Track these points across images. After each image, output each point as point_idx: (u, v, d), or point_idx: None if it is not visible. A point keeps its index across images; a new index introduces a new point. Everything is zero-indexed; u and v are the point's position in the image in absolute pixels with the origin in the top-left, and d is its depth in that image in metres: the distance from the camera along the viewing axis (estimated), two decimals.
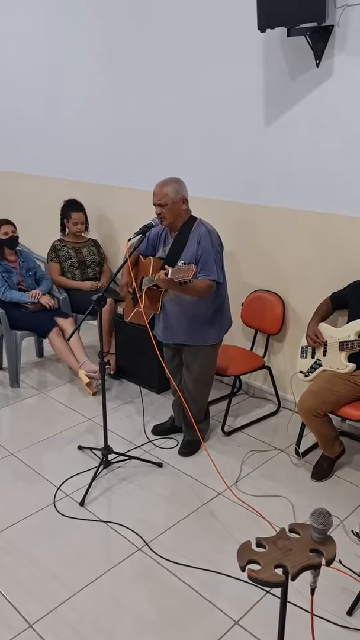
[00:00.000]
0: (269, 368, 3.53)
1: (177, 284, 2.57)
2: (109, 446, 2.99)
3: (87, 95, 4.34)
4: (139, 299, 2.92)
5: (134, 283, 2.94)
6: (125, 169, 4.23)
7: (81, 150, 4.56)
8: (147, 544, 2.50)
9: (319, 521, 1.34)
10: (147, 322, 2.89)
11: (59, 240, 4.30)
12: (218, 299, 2.92)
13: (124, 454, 3.06)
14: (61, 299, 4.13)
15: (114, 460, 3.03)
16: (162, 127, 3.85)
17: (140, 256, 3.01)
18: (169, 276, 2.53)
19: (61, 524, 2.62)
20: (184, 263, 2.74)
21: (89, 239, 4.36)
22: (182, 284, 2.54)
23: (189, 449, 3.16)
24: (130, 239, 2.92)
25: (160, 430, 3.35)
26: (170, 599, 2.22)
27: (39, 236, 4.87)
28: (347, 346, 2.81)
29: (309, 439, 3.12)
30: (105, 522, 2.64)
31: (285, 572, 1.30)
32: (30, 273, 4.13)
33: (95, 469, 2.92)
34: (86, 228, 4.31)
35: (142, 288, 2.90)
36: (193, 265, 2.56)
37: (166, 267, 2.61)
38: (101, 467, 2.96)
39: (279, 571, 1.31)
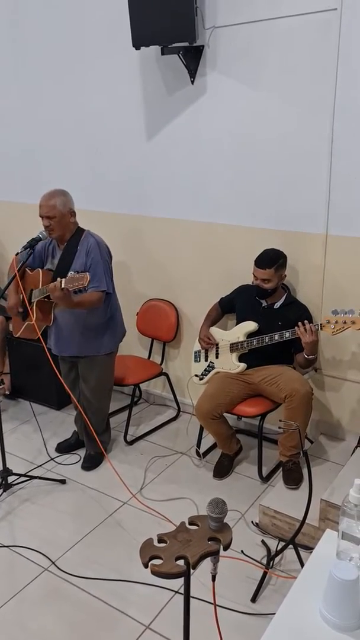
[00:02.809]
0: (166, 375, 3.61)
1: (69, 296, 2.58)
2: (8, 468, 2.89)
3: None
4: (30, 312, 2.86)
5: (23, 296, 2.87)
6: (8, 183, 4.14)
7: None
8: (53, 563, 2.44)
9: (215, 510, 1.40)
10: (40, 335, 2.84)
11: None
12: (110, 309, 2.96)
13: (24, 475, 2.97)
14: None
15: (14, 483, 2.93)
16: (46, 139, 3.82)
17: (27, 269, 2.96)
18: (62, 285, 2.53)
19: None
20: (76, 272, 2.75)
21: None
22: (77, 293, 2.54)
23: (92, 462, 3.14)
24: (17, 253, 2.87)
25: (65, 447, 3.29)
26: (80, 615, 2.19)
27: None
28: (237, 347, 2.95)
29: (209, 439, 3.23)
30: (7, 547, 2.54)
31: (187, 563, 1.35)
32: None
33: None
34: None
35: (32, 301, 2.85)
36: (87, 273, 2.57)
37: (58, 278, 2.60)
38: (0, 490, 2.84)
39: (181, 562, 1.35)
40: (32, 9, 3.58)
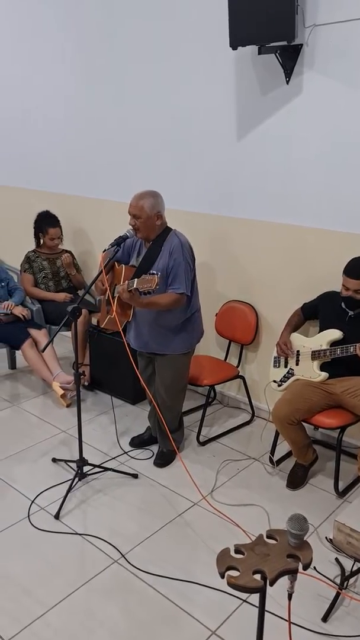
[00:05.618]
0: (243, 378, 3.56)
1: (138, 297, 2.66)
2: (84, 458, 2.96)
3: (60, 107, 4.35)
4: (112, 305, 2.93)
5: (107, 290, 2.94)
6: (100, 181, 4.25)
7: (53, 161, 4.56)
8: (123, 555, 2.48)
9: (296, 526, 1.36)
10: (120, 330, 2.90)
11: (33, 251, 4.28)
12: (189, 310, 2.96)
13: (99, 466, 3.04)
14: (34, 310, 4.10)
15: (89, 472, 3.01)
16: (137, 139, 3.89)
17: (116, 263, 3.02)
18: (134, 285, 2.61)
19: (36, 538, 2.59)
20: (155, 273, 2.79)
21: (63, 250, 4.35)
22: (146, 294, 2.61)
23: (164, 459, 3.16)
24: (105, 250, 2.93)
25: (139, 442, 3.34)
26: (146, 611, 2.21)
27: (11, 247, 4.83)
28: (319, 355, 2.86)
29: (283, 447, 3.16)
30: (80, 534, 2.61)
31: (264, 578, 1.31)
32: (3, 284, 4.09)
33: (70, 482, 2.89)
34: (61, 240, 4.30)
35: (115, 295, 2.92)
36: (156, 275, 2.62)
37: (127, 281, 2.71)
38: (76, 479, 2.93)
39: (257, 577, 1.32)
40: (127, 10, 3.64)
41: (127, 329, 3.07)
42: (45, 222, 4.20)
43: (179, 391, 3.12)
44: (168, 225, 2.91)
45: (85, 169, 4.33)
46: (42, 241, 4.27)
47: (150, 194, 2.78)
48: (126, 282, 2.71)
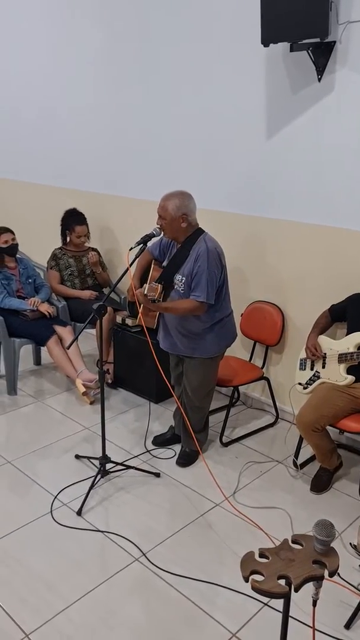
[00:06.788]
0: (267, 379, 3.53)
1: (152, 303, 2.74)
2: (106, 455, 2.97)
3: (89, 104, 4.37)
4: (137, 307, 2.94)
5: (133, 290, 2.94)
6: (127, 180, 4.25)
7: (81, 159, 4.58)
8: (144, 554, 2.48)
9: (323, 532, 1.34)
10: (145, 328, 2.90)
11: (60, 248, 4.31)
12: (217, 315, 2.92)
13: (121, 464, 3.05)
14: (60, 307, 4.13)
15: (111, 470, 3.01)
16: (164, 138, 3.88)
17: (153, 261, 3.02)
18: (145, 291, 2.72)
19: (58, 534, 2.60)
20: (182, 277, 2.81)
21: (89, 247, 4.37)
22: (153, 302, 2.74)
23: (187, 459, 3.15)
24: (131, 248, 2.93)
25: (161, 441, 3.33)
26: (167, 610, 2.20)
27: (38, 244, 4.88)
28: (346, 358, 2.81)
29: (307, 450, 3.12)
30: (102, 532, 2.62)
31: (288, 583, 1.29)
32: (30, 281, 4.13)
33: (92, 479, 2.90)
34: (88, 238, 4.33)
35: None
36: (160, 285, 2.74)
37: (144, 285, 2.80)
38: (98, 476, 2.94)
39: (282, 582, 1.30)
40: (158, 6, 3.64)
41: (158, 329, 3.07)
42: (72, 220, 4.23)
43: (206, 393, 3.10)
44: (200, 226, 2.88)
45: (112, 167, 4.34)
46: (68, 239, 4.30)
47: (177, 195, 2.75)
48: (144, 285, 2.74)
